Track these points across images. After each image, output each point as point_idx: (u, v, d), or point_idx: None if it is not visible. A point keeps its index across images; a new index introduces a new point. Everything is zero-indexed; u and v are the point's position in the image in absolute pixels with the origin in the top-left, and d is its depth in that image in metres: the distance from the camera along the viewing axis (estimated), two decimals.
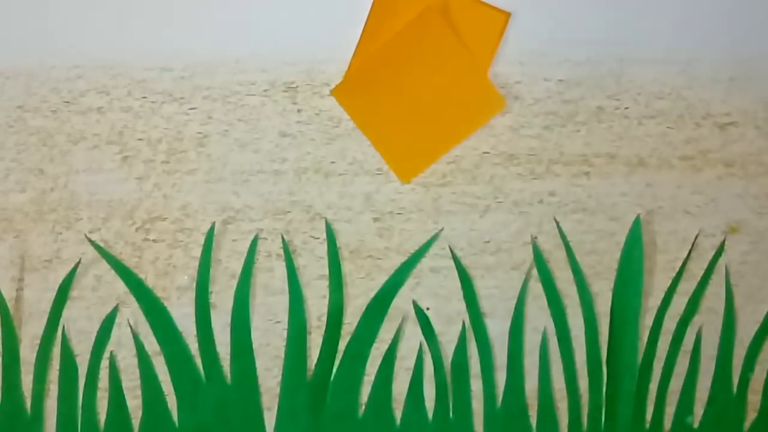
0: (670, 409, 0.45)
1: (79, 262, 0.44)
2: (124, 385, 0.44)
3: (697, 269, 0.45)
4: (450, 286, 0.44)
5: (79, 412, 0.44)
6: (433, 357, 0.44)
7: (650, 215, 0.45)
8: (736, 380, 0.45)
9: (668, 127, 0.45)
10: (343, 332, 0.44)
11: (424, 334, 0.44)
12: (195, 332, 0.44)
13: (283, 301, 0.44)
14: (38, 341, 0.43)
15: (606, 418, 0.45)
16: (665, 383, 0.45)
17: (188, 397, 0.44)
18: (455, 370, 0.44)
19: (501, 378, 0.45)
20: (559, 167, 0.44)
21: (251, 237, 0.44)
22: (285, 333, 0.44)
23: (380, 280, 0.44)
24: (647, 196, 0.45)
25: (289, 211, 0.44)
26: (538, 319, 0.45)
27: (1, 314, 0.43)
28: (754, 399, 0.46)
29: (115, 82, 0.43)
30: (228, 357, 0.44)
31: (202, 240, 0.44)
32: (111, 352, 0.44)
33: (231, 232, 0.44)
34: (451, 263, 0.44)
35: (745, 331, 0.46)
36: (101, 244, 0.44)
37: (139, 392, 0.44)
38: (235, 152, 0.44)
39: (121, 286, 0.44)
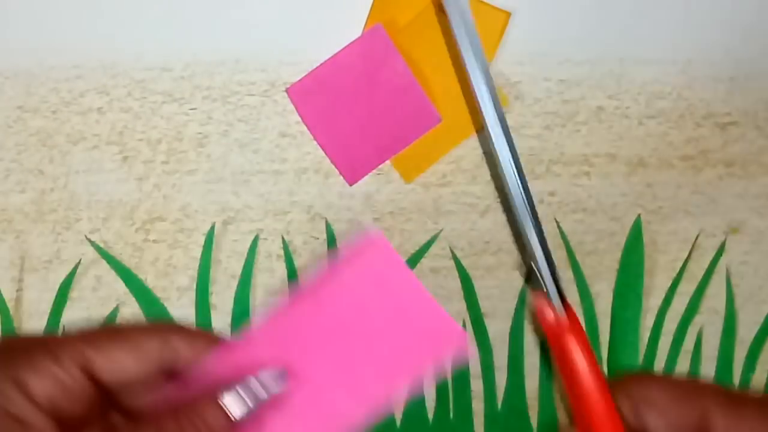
0: None
1: (79, 263, 0.44)
2: None
3: (697, 269, 0.45)
4: (450, 286, 0.44)
5: None
6: None
7: (651, 215, 0.45)
8: (737, 380, 0.45)
9: (669, 127, 0.45)
10: None
11: None
12: None
13: None
14: None
15: None
16: None
17: None
18: (455, 370, 0.44)
19: (501, 378, 0.45)
20: (560, 167, 0.44)
21: (251, 237, 0.44)
22: None
23: None
24: (648, 196, 0.45)
25: (289, 212, 0.44)
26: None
27: (2, 315, 0.43)
28: None
29: (115, 82, 0.43)
30: None
31: (202, 240, 0.44)
32: None
33: (231, 233, 0.44)
34: (452, 263, 0.44)
35: (746, 332, 0.46)
36: (101, 245, 0.44)
37: None
38: (235, 152, 0.44)
39: (121, 287, 0.44)
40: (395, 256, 0.35)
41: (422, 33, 0.43)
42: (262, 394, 0.32)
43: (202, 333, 0.34)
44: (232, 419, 0.31)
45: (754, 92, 0.45)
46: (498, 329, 0.45)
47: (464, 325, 0.44)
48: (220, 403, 0.31)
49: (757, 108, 0.45)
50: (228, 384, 0.32)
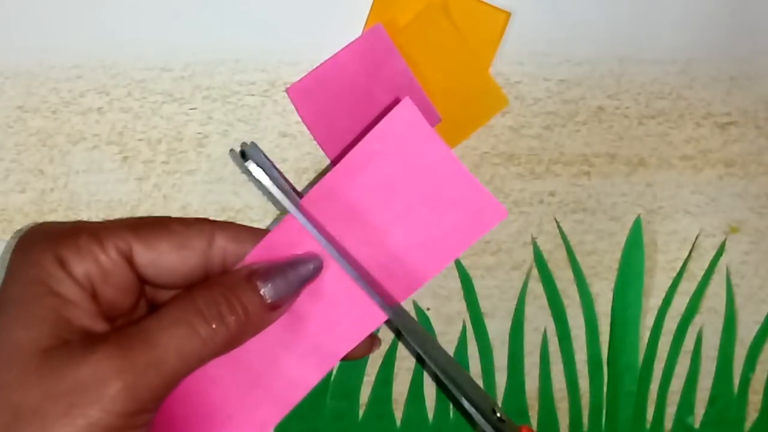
0: (670, 410, 0.45)
1: None
2: None
3: (697, 269, 0.45)
4: (450, 286, 0.44)
5: None
6: None
7: (651, 215, 0.45)
8: (737, 380, 0.45)
9: (669, 127, 0.45)
10: None
11: None
12: None
13: None
14: None
15: (607, 419, 0.45)
16: (666, 383, 0.45)
17: None
18: None
19: (501, 378, 0.45)
20: (560, 167, 0.44)
21: None
22: None
23: None
24: (648, 196, 0.45)
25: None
26: (539, 320, 0.45)
27: None
28: (755, 399, 0.46)
29: (115, 82, 0.43)
30: None
31: None
32: None
33: None
34: (451, 263, 0.44)
35: (746, 331, 0.46)
36: None
37: None
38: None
39: None
40: (429, 130, 0.34)
41: (422, 33, 0.43)
42: (296, 280, 0.32)
43: (247, 229, 0.34)
44: (267, 303, 0.31)
45: (754, 92, 0.45)
46: (498, 329, 0.45)
47: (464, 325, 0.44)
48: (257, 285, 0.31)
49: (757, 108, 0.45)
50: (263, 269, 0.32)
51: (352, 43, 0.43)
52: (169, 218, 0.33)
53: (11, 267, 0.31)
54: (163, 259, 0.32)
